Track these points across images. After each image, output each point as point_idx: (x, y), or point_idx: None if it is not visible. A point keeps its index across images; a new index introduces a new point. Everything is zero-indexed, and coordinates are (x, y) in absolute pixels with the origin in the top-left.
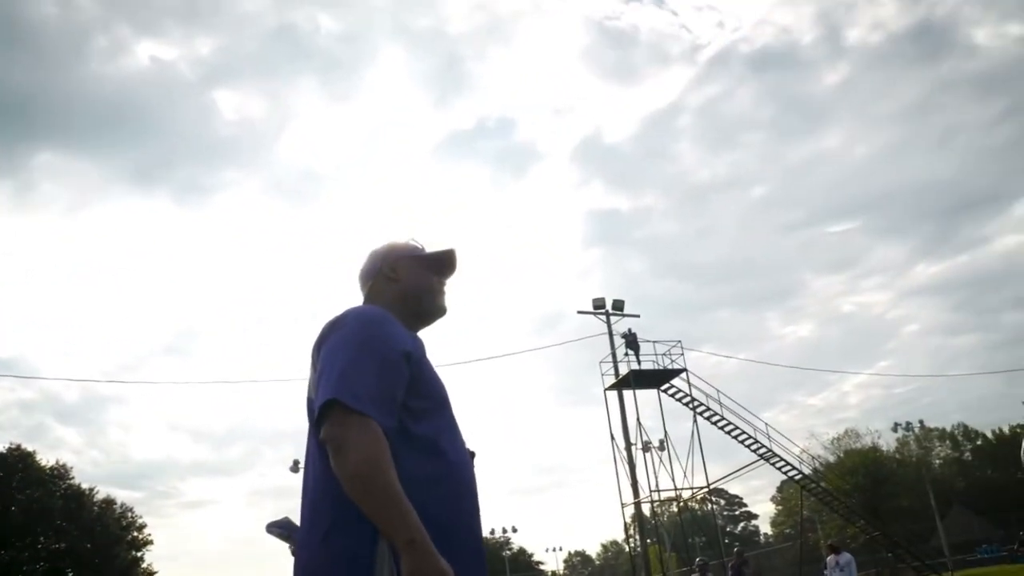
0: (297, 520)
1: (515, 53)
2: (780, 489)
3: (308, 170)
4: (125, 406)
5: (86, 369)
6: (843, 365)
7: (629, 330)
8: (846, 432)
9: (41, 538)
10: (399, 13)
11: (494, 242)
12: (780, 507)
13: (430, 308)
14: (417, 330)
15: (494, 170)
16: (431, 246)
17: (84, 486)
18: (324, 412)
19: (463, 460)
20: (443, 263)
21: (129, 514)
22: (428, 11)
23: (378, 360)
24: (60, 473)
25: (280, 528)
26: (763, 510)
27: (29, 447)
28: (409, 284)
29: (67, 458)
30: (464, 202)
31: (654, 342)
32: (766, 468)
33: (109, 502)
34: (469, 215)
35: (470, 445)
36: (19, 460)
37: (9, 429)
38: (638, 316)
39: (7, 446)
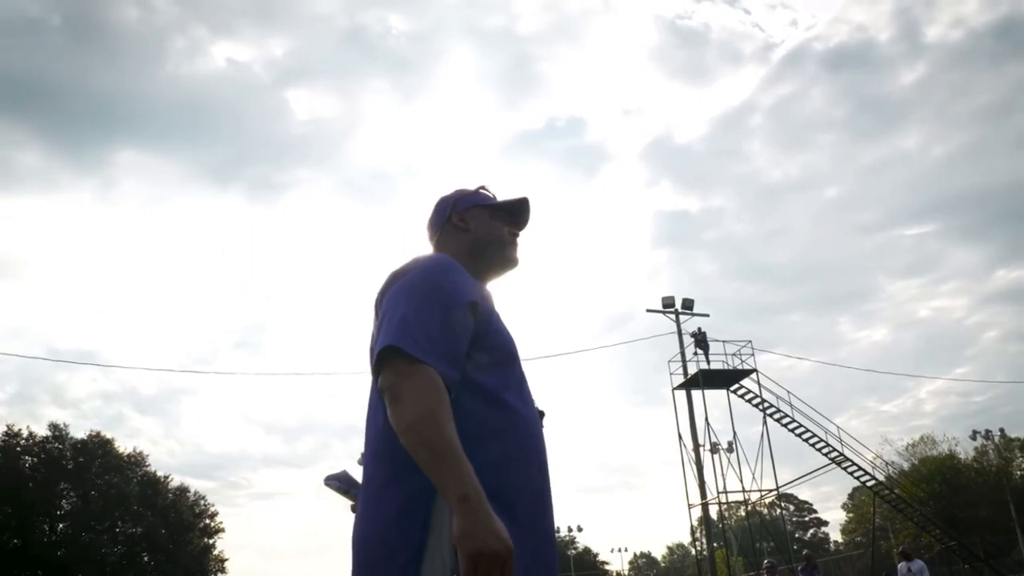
0: (357, 474)
1: (585, 53)
2: (851, 496)
3: (378, 169)
4: (199, 398)
5: (163, 361)
6: (919, 371)
7: (699, 329)
8: (922, 438)
9: (119, 522)
10: (469, 13)
11: (563, 242)
12: (851, 514)
13: (501, 259)
14: (487, 282)
15: (563, 170)
16: (503, 195)
17: (159, 473)
18: (383, 360)
19: (531, 416)
20: (516, 213)
21: (202, 502)
22: (498, 11)
23: (443, 308)
24: (137, 460)
25: (339, 481)
26: (833, 517)
27: (108, 435)
28: (479, 234)
29: (144, 447)
30: (533, 202)
31: (724, 342)
32: (837, 475)
33: (183, 490)
34: (538, 215)
35: (539, 406)
36: (99, 447)
37: (92, 418)
38: (707, 315)
39: (88, 433)
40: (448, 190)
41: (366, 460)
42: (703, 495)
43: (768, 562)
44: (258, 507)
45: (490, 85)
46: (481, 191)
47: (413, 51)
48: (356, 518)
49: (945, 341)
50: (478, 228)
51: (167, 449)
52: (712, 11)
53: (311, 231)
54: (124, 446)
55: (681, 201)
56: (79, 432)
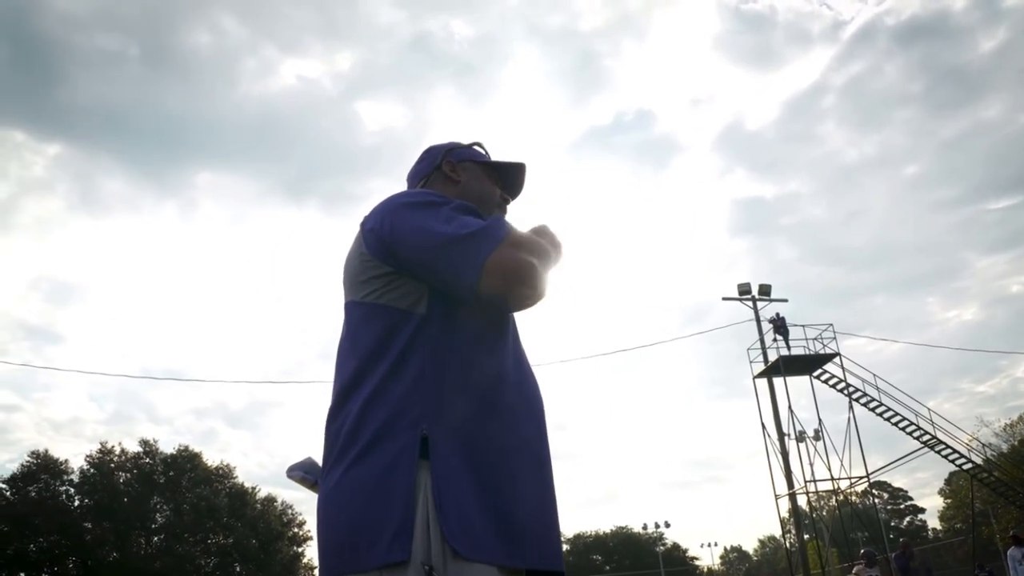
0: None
1: (649, 45)
2: (948, 481)
3: None
4: (286, 410)
5: (250, 375)
6: (1014, 349)
7: (777, 314)
8: (1020, 418)
9: (210, 534)
10: (530, 14)
11: (639, 236)
12: (949, 500)
13: None
14: None
15: (634, 164)
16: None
17: (247, 485)
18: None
19: (527, 369)
20: (510, 178)
21: (289, 511)
22: (559, 9)
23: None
24: (225, 472)
25: (303, 472)
26: (930, 504)
27: (197, 448)
28: (470, 189)
29: (235, 460)
30: (606, 198)
31: (804, 326)
32: (932, 460)
33: (270, 500)
34: (612, 211)
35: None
36: (188, 460)
37: (184, 433)
38: (786, 300)
39: (176, 447)
40: (439, 141)
41: (334, 432)
42: (790, 485)
43: (865, 551)
44: None
45: (556, 84)
46: (476, 147)
47: (477, 55)
48: (324, 496)
49: None
50: (470, 182)
51: (257, 461)
52: None
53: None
54: (212, 459)
55: (756, 188)
56: (173, 448)
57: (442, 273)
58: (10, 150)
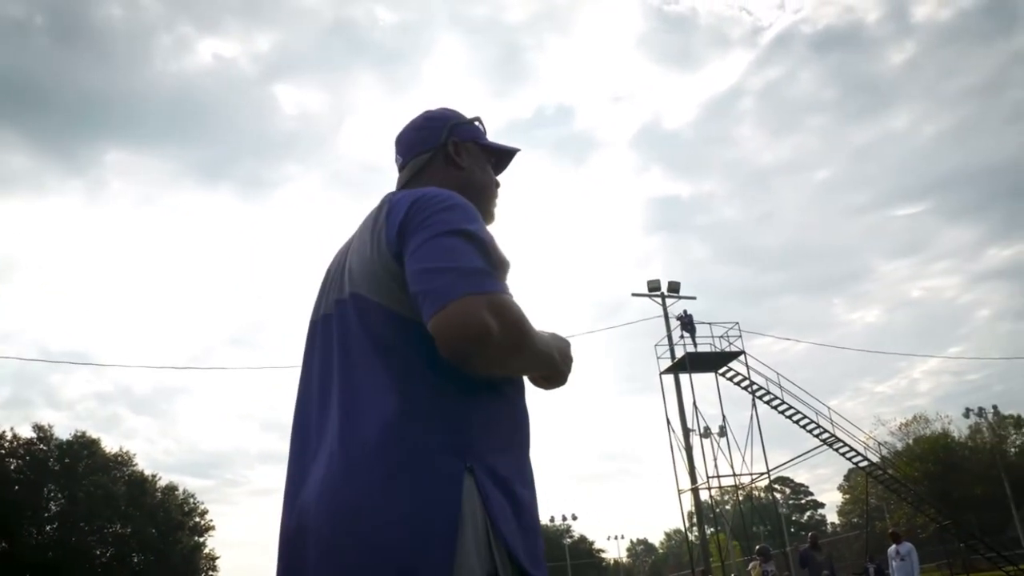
0: None
1: (573, 41)
2: (847, 477)
3: (368, 162)
4: (195, 397)
5: (157, 360)
6: (912, 351)
7: (684, 311)
8: (915, 418)
9: (107, 523)
10: (455, 3)
11: (555, 230)
12: (847, 496)
13: (486, 212)
14: None
15: (554, 159)
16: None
17: (147, 472)
18: (445, 309)
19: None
20: (503, 163)
21: (191, 500)
22: (485, 0)
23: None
24: (124, 460)
25: None
26: (830, 499)
27: (103, 436)
28: (474, 177)
29: (140, 447)
30: (524, 191)
31: (711, 324)
32: (833, 457)
33: (171, 488)
34: (529, 204)
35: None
36: (84, 447)
37: (87, 419)
38: (694, 298)
39: (72, 434)
40: (436, 107)
41: (335, 450)
42: (693, 480)
43: (760, 547)
44: (256, 503)
45: (478, 75)
46: (476, 124)
47: (400, 43)
48: (351, 502)
49: (938, 320)
50: (473, 169)
51: (163, 448)
52: None
53: (303, 226)
54: (110, 446)
55: (672, 187)
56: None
57: (413, 297)
58: None
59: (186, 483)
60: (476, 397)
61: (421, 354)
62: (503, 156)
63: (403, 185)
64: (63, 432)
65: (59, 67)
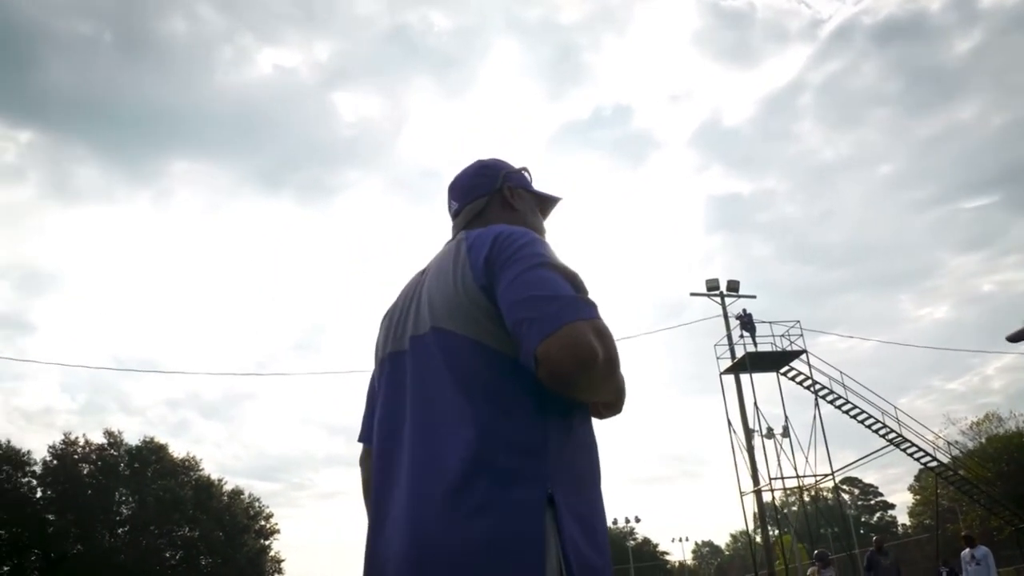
0: None
1: (629, 40)
2: (918, 478)
3: (426, 167)
4: (261, 402)
5: (224, 366)
6: (984, 347)
7: (744, 310)
8: (987, 416)
9: (176, 527)
10: (510, 6)
11: (615, 231)
12: (918, 496)
13: None
14: None
15: (612, 159)
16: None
17: (213, 477)
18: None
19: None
20: (547, 209)
21: (257, 504)
22: (539, 2)
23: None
24: (191, 464)
25: None
26: (901, 500)
27: (173, 441)
28: (528, 220)
29: (209, 452)
30: (582, 193)
31: (771, 323)
32: (903, 456)
33: (237, 492)
34: (589, 206)
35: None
36: (152, 452)
37: (158, 424)
38: (754, 297)
39: (141, 439)
40: (487, 156)
41: (421, 475)
42: (756, 482)
43: (818, 552)
44: (322, 507)
45: (535, 77)
46: (524, 172)
47: (456, 47)
48: (432, 523)
49: (1011, 315)
50: (526, 212)
51: (232, 453)
52: None
53: (363, 231)
54: (180, 451)
55: (732, 185)
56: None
57: (515, 326)
58: None
59: (254, 487)
60: (554, 428)
61: (503, 386)
62: (548, 203)
63: (464, 227)
64: (134, 438)
65: (126, 81)
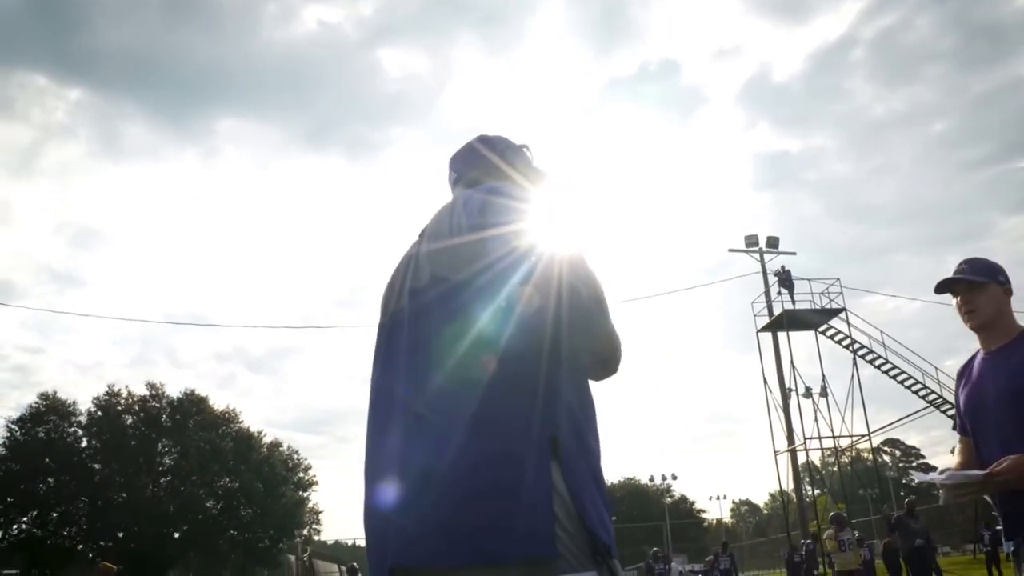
0: None
1: None
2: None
3: (471, 124)
4: (306, 356)
5: (270, 320)
6: None
7: (783, 267)
8: None
9: (215, 477)
10: None
11: (662, 187)
12: (960, 459)
13: None
14: None
15: (658, 115)
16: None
17: (258, 429)
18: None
19: None
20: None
21: (295, 456)
22: None
23: None
24: (231, 417)
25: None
26: (944, 462)
27: (219, 394)
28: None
29: (255, 405)
30: (629, 149)
31: (810, 280)
32: (945, 418)
33: (276, 444)
34: (634, 162)
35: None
36: (193, 404)
37: (207, 378)
38: (794, 254)
39: (183, 391)
40: (489, 131)
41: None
42: (791, 441)
43: (834, 515)
44: None
45: (580, 34)
46: (525, 150)
47: (502, 3)
48: (453, 465)
49: None
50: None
51: (277, 406)
52: None
53: (407, 188)
54: (218, 403)
55: (781, 142)
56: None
57: (579, 322)
58: (32, 95)
59: (298, 440)
60: (559, 371)
61: (504, 329)
62: (539, 175)
63: None
64: (182, 391)
65: (173, 40)
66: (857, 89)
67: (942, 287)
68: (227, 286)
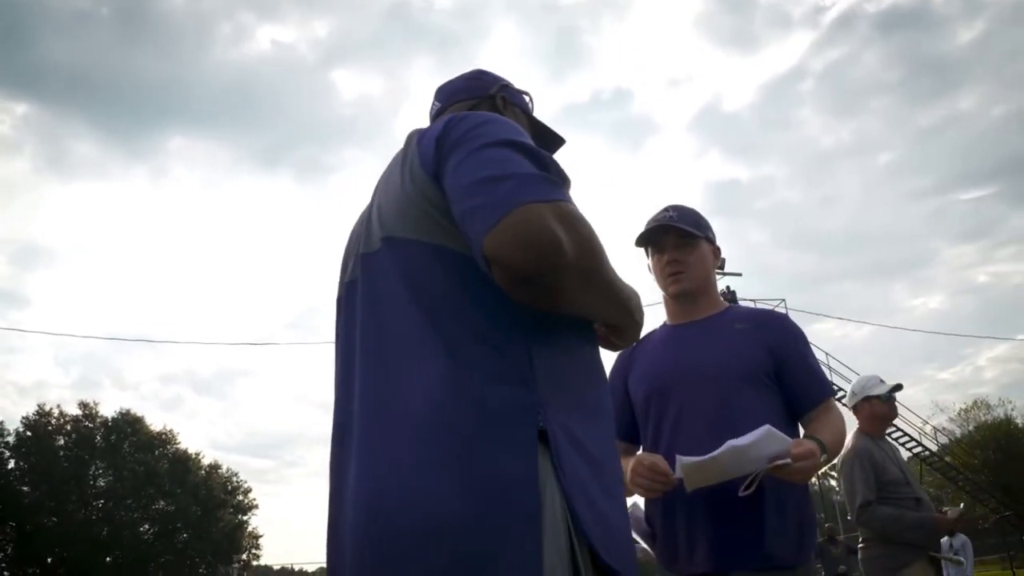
0: None
1: (629, 23)
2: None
3: None
4: (256, 379)
5: (217, 343)
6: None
7: (727, 288)
8: (975, 403)
9: (152, 500)
10: None
11: (611, 215)
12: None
13: None
14: None
15: (610, 143)
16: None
17: (191, 451)
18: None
19: None
20: (549, 148)
21: (234, 479)
22: None
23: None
24: (167, 438)
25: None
26: None
27: (166, 417)
28: None
29: (201, 428)
30: (580, 176)
31: (755, 300)
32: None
33: (214, 467)
34: (585, 189)
35: None
36: (129, 425)
37: (151, 399)
38: (739, 275)
39: (117, 411)
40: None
41: (375, 428)
42: None
43: (829, 527)
44: (313, 485)
45: (534, 59)
46: (526, 96)
47: (456, 27)
48: (403, 491)
49: (1005, 307)
50: None
51: (224, 430)
52: None
53: (360, 210)
54: (155, 423)
55: (731, 170)
56: (144, 416)
57: (461, 218)
58: None
59: (247, 463)
60: (544, 347)
61: (473, 297)
62: (548, 139)
63: None
64: (135, 412)
65: (124, 57)
66: (806, 120)
67: (646, 238)
68: (175, 307)
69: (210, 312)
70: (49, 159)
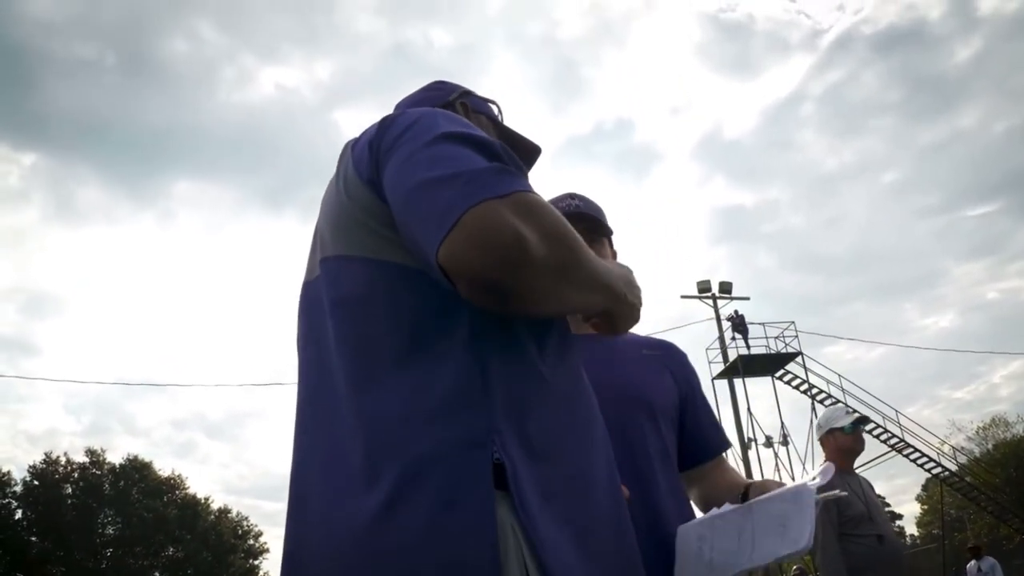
0: None
1: (629, 54)
2: (925, 487)
3: None
4: (268, 421)
5: (229, 385)
6: (991, 355)
7: (736, 312)
8: (993, 421)
9: (162, 547)
10: (510, 22)
11: (620, 244)
12: (925, 506)
13: None
14: None
15: (614, 173)
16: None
17: (201, 495)
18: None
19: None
20: (527, 159)
21: (245, 523)
22: (538, 17)
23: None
24: (176, 483)
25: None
26: (909, 510)
27: (178, 463)
28: None
29: (214, 472)
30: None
31: (764, 324)
32: (910, 466)
33: (224, 511)
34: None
35: None
36: (136, 471)
37: (163, 445)
38: (747, 299)
39: (124, 457)
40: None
41: (332, 459)
42: None
43: (796, 567)
44: None
45: (535, 93)
46: (492, 104)
47: (456, 63)
48: (347, 545)
49: (1017, 323)
50: None
51: (237, 473)
52: (756, 1)
53: None
54: (163, 468)
55: (736, 196)
56: (156, 461)
57: (408, 228)
58: None
59: (260, 506)
60: (501, 363)
61: (419, 314)
62: (521, 149)
63: None
64: (145, 458)
65: (128, 102)
66: (809, 142)
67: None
68: (184, 351)
69: (221, 355)
70: (57, 207)
